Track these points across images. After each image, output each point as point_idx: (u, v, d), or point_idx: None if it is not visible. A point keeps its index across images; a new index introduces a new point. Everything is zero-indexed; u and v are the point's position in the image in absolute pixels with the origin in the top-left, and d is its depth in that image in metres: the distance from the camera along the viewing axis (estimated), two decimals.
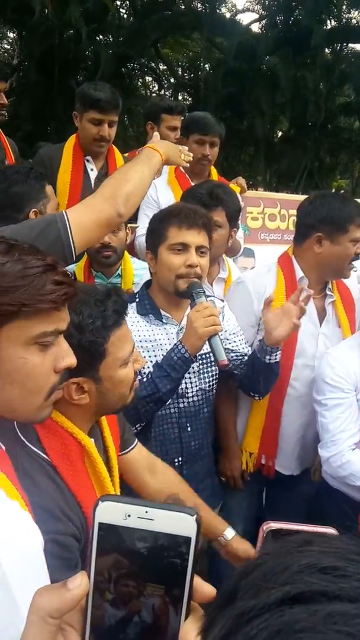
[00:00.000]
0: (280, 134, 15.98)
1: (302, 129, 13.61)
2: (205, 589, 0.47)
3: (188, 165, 1.85)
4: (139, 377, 1.59)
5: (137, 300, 1.76)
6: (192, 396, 1.76)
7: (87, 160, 2.74)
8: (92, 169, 2.76)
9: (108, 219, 1.41)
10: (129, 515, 0.45)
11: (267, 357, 1.70)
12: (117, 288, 1.23)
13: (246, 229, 3.64)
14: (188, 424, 1.77)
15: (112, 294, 1.15)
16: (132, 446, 1.45)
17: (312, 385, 1.95)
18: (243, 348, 1.87)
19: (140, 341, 1.68)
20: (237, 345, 1.86)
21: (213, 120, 2.74)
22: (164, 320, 1.72)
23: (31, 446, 1.05)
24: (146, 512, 0.45)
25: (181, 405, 1.75)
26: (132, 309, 1.71)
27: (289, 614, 0.28)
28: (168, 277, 1.65)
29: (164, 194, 2.70)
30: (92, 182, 2.74)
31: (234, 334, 1.87)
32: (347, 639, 0.27)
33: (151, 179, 1.55)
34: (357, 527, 1.79)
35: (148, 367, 1.65)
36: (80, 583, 0.45)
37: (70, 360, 0.92)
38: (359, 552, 0.33)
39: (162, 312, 1.73)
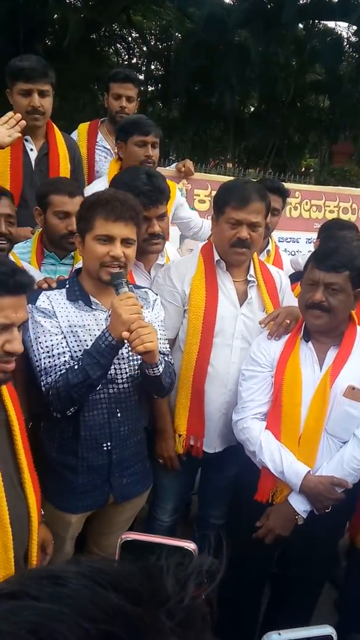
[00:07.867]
0: (252, 109, 15.83)
1: (272, 106, 13.51)
2: None
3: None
4: (73, 364, 1.66)
5: (67, 286, 1.78)
6: (122, 383, 1.79)
7: (26, 140, 2.62)
8: (31, 149, 2.66)
9: None
10: None
11: (147, 370, 1.73)
12: (20, 271, 1.31)
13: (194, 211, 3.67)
14: (118, 410, 1.80)
15: (8, 269, 1.27)
16: None
17: (231, 364, 2.04)
18: (160, 348, 1.90)
19: (70, 326, 1.72)
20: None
21: (150, 121, 2.71)
22: (93, 307, 1.76)
23: None
24: None
25: (111, 391, 1.78)
26: (61, 295, 1.75)
27: None
28: (93, 265, 1.70)
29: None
30: (33, 162, 2.65)
31: (157, 330, 1.90)
32: None
33: None
34: None
35: (78, 352, 1.71)
36: None
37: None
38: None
39: (92, 299, 1.76)
